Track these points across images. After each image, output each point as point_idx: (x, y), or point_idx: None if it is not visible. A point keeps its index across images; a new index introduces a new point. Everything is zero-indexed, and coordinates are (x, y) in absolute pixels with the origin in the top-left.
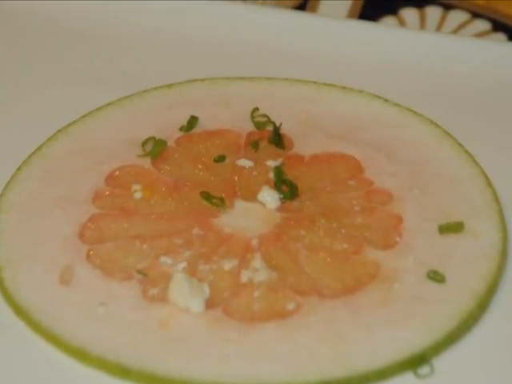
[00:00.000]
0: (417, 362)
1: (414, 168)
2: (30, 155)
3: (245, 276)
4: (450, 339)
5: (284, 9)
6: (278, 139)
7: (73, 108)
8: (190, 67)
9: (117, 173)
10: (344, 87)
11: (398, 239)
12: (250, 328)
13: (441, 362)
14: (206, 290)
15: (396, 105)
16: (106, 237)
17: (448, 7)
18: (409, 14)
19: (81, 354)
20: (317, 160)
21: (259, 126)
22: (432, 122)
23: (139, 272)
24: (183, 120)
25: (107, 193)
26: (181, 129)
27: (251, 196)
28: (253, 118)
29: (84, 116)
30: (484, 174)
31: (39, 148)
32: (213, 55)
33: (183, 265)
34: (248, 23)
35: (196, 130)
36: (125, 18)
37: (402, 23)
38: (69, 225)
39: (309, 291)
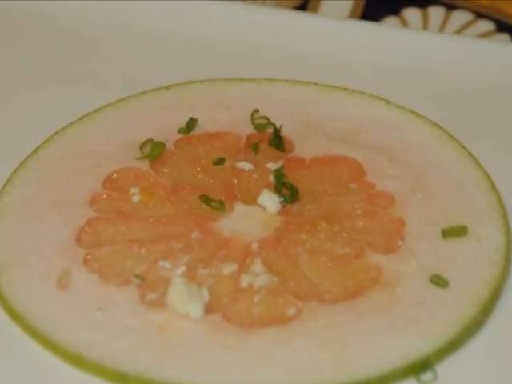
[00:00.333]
0: (420, 367)
1: (416, 171)
2: (27, 158)
3: (245, 281)
4: (453, 345)
5: (284, 9)
6: (278, 141)
7: (70, 109)
8: (189, 68)
9: (114, 176)
10: (345, 89)
11: (400, 243)
12: (250, 333)
13: (444, 368)
14: (205, 294)
15: (398, 107)
16: (103, 241)
17: (451, 7)
18: (411, 14)
19: (78, 360)
20: (318, 163)
21: (259, 128)
22: (435, 124)
23: (137, 276)
24: (182, 122)
25: (105, 196)
26: (179, 131)
27: (251, 199)
28: (253, 119)
29: (81, 118)
30: (488, 177)
31: (36, 150)
32: (212, 56)
33: (182, 269)
34: (248, 23)
35: (195, 132)
36: (123, 18)
37: (404, 23)
38: (66, 228)
39: (310, 296)
